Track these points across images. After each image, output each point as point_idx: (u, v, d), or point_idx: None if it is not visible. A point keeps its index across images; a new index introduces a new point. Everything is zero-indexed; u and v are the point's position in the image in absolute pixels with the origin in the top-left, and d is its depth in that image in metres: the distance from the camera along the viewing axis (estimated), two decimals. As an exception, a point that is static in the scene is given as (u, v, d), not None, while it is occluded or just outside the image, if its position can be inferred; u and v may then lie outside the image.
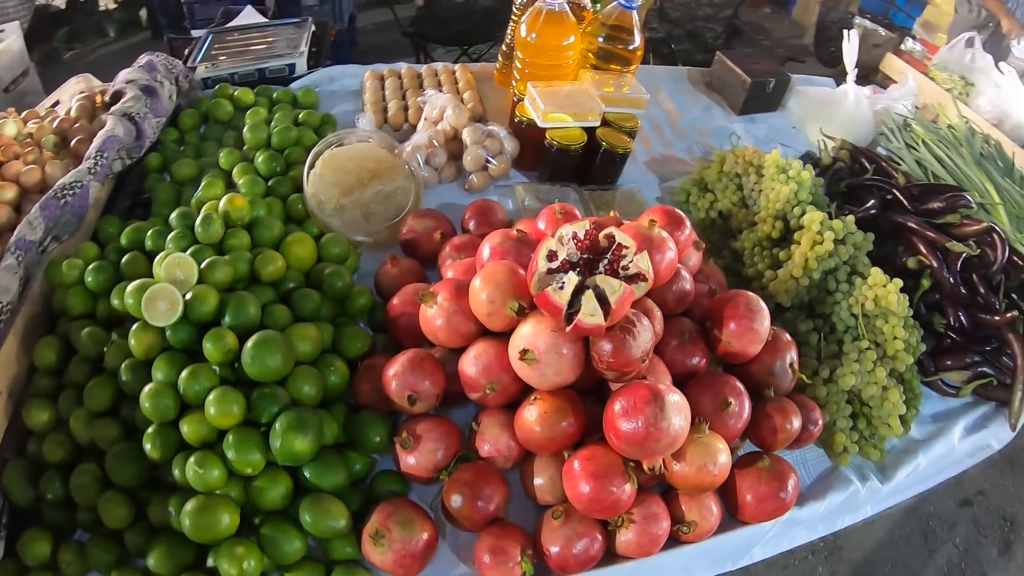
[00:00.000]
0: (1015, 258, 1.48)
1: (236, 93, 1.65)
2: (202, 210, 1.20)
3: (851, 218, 1.34)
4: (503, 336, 1.00)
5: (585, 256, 0.94)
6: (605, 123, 1.50)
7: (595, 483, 0.91)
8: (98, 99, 1.67)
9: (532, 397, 0.98)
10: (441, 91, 1.63)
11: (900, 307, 1.26)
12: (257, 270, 1.16)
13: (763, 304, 1.08)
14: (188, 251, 1.13)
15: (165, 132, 1.62)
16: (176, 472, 0.93)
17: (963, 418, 1.39)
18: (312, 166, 1.35)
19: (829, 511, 1.21)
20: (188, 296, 1.01)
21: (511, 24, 1.73)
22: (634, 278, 0.92)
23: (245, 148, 1.51)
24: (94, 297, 1.15)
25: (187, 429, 0.94)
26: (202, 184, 1.35)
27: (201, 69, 1.80)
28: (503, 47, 1.76)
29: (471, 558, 0.98)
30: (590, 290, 0.88)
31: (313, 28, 1.98)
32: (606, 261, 0.93)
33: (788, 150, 1.65)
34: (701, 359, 1.08)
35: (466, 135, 1.46)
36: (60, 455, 0.99)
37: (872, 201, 1.51)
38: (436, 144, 1.45)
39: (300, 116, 1.58)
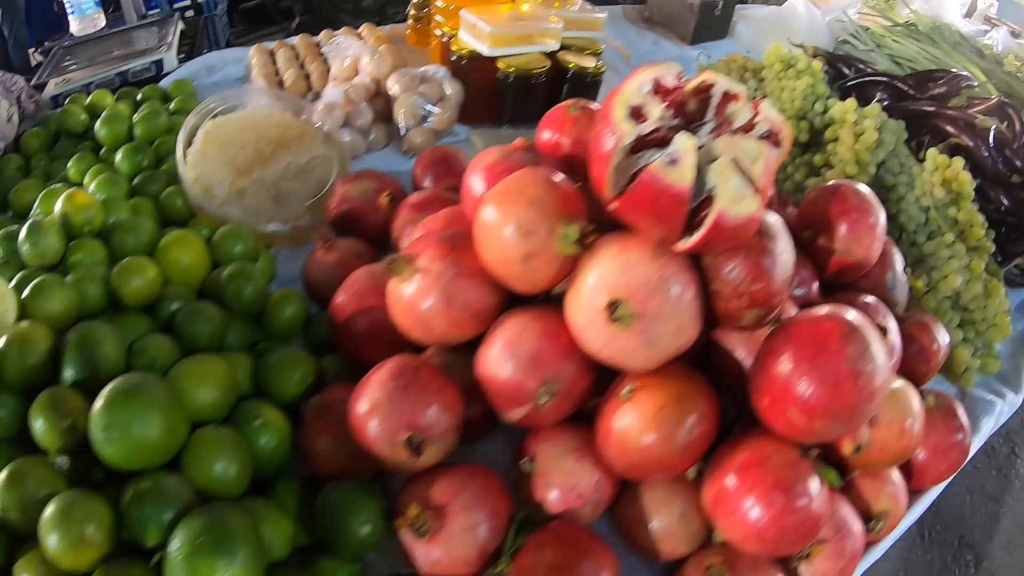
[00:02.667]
0: (1031, 131, 1.20)
1: (91, 99, 1.14)
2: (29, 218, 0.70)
3: (876, 105, 1.00)
4: (548, 303, 0.55)
5: (678, 123, 0.51)
6: (563, 48, 1.09)
7: (779, 499, 0.49)
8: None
9: (626, 389, 0.53)
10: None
11: (970, 188, 0.92)
12: (117, 289, 0.67)
13: (868, 188, 0.69)
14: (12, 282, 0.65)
15: (3, 161, 1.08)
16: None
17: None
18: (189, 143, 0.87)
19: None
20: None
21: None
22: (765, 140, 0.50)
23: (103, 151, 1.00)
24: None
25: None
26: (38, 200, 0.84)
27: (50, 86, 1.28)
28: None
29: None
30: (722, 159, 0.46)
31: (183, 25, 1.49)
32: (709, 128, 0.51)
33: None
34: (810, 286, 0.67)
35: (393, 83, 1.01)
36: None
37: (878, 94, 1.18)
38: (356, 100, 0.99)
39: (172, 106, 1.09)
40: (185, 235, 0.74)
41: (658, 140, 0.48)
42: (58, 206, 0.75)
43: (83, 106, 1.14)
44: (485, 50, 1.01)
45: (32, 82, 1.27)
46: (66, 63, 1.34)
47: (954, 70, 1.26)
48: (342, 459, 0.57)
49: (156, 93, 1.18)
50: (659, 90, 0.50)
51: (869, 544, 0.60)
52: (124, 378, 0.52)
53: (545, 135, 0.68)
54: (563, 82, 1.05)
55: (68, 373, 0.57)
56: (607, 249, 0.51)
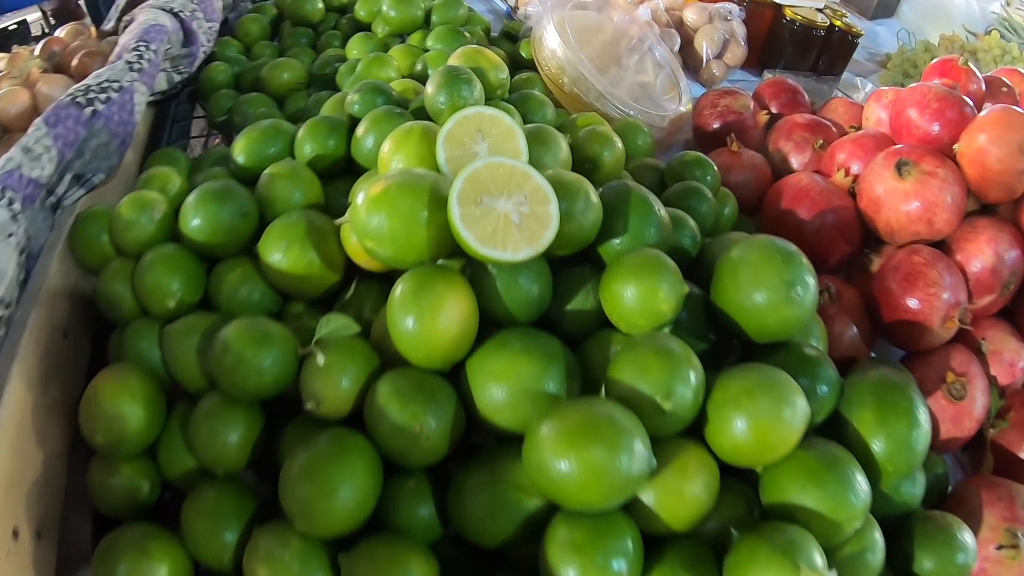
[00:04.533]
0: None
1: None
2: (447, 66, 0.58)
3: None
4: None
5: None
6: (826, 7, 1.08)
7: None
8: (92, 32, 0.92)
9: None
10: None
11: None
12: (594, 157, 0.56)
13: None
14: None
15: (220, 45, 0.93)
16: None
17: None
18: (545, 31, 0.77)
19: None
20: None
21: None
22: None
23: (381, 36, 0.87)
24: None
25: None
26: (362, 64, 0.73)
27: None
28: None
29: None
30: None
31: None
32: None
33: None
34: None
35: (692, 14, 0.96)
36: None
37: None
38: (664, 23, 0.93)
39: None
40: (593, 116, 0.66)
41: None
42: (456, 59, 0.63)
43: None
44: (778, -6, 0.98)
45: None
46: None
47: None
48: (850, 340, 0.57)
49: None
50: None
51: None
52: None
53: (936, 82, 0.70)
54: (831, 38, 1.03)
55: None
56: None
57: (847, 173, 0.66)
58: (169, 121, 0.85)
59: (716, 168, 0.62)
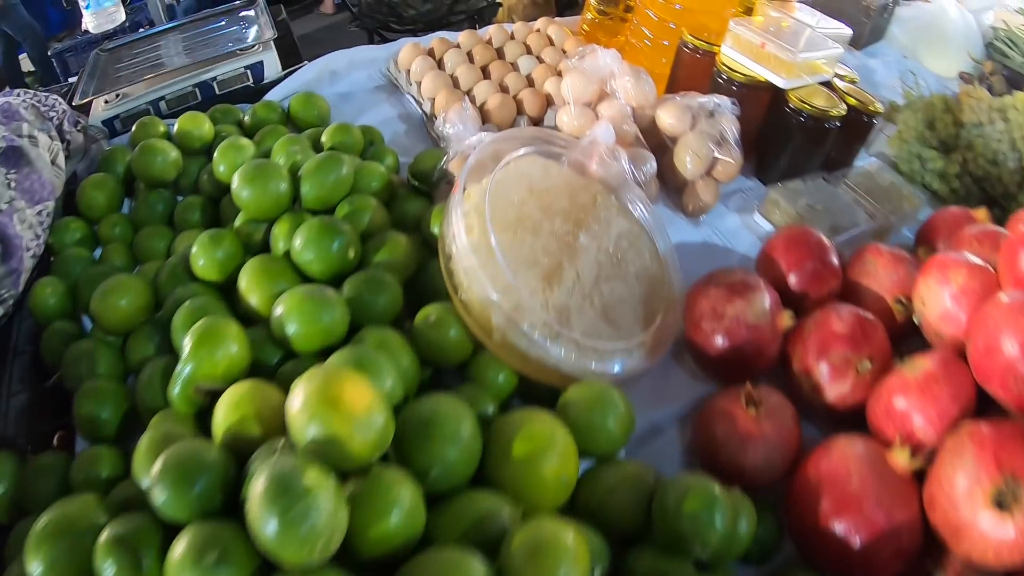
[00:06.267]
0: None
1: (179, 126, 0.70)
2: (276, 476, 0.32)
3: None
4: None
5: None
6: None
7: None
8: None
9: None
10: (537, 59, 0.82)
11: None
12: None
13: None
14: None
15: (59, 231, 0.65)
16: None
17: None
18: (456, 239, 0.49)
19: None
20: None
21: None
22: None
23: (239, 223, 0.59)
24: None
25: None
26: (189, 350, 0.45)
27: (99, 106, 0.79)
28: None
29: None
30: None
31: (267, 15, 0.91)
32: None
33: (923, 86, 1.07)
34: None
35: (668, 119, 0.68)
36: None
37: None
38: (634, 141, 0.66)
39: (325, 139, 0.68)
40: (544, 438, 0.40)
41: None
42: (299, 401, 0.35)
43: (164, 136, 0.70)
44: (781, 81, 0.69)
45: (70, 100, 0.79)
46: (115, 74, 0.85)
47: None
48: None
49: (275, 115, 0.75)
50: None
51: None
52: None
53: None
54: (845, 122, 0.74)
55: None
56: None
57: (914, 450, 0.42)
58: (10, 358, 0.59)
59: (728, 507, 0.38)
